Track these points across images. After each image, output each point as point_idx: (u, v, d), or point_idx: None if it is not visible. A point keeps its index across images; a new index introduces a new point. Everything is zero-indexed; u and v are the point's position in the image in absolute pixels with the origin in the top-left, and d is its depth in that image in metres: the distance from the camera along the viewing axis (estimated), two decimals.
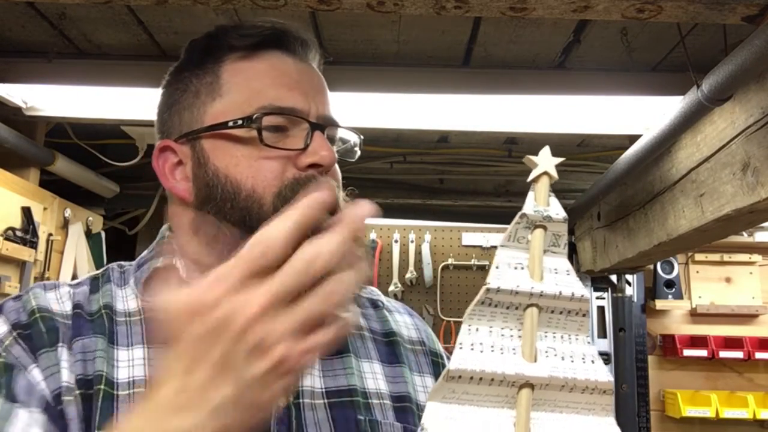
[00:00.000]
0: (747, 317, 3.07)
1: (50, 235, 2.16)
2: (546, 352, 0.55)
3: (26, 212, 1.99)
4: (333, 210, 0.75)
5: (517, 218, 0.56)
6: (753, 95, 1.41)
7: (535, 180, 0.57)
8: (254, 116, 0.73)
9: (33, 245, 2.00)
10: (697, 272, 3.08)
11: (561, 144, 2.40)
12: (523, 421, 0.55)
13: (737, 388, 3.00)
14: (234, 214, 0.73)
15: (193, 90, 0.78)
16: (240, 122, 0.73)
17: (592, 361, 0.55)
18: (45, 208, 2.15)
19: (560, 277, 0.56)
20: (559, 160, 0.57)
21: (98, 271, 0.82)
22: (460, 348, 0.55)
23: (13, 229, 1.92)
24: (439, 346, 0.90)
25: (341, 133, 0.83)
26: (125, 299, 0.77)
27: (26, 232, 1.98)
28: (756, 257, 3.06)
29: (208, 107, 0.77)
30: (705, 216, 1.67)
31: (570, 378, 0.54)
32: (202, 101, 0.77)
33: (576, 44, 1.62)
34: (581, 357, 0.55)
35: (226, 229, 0.74)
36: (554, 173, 0.56)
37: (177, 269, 0.76)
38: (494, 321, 0.56)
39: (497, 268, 0.56)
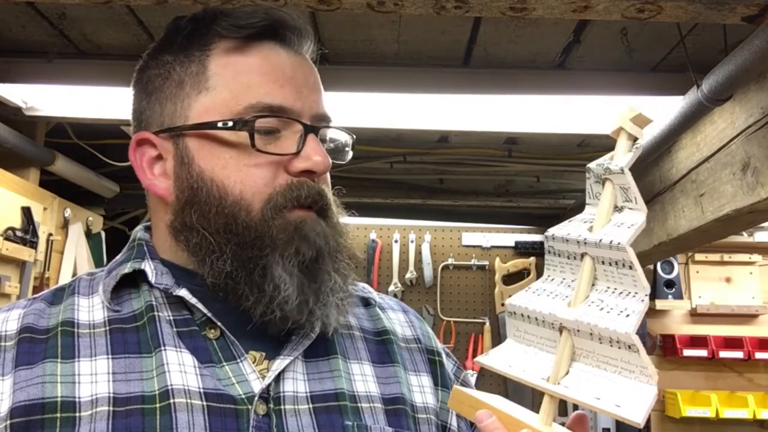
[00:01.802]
0: (747, 317, 3.07)
1: (50, 235, 2.16)
2: (593, 302, 0.55)
3: (26, 212, 1.99)
4: (324, 214, 0.74)
5: (586, 174, 0.58)
6: (753, 95, 1.41)
7: (615, 136, 0.57)
8: (246, 119, 0.69)
9: (33, 245, 2.00)
10: (697, 272, 3.08)
11: (561, 144, 2.40)
12: (557, 362, 0.55)
13: (737, 388, 3.00)
14: (219, 220, 0.69)
15: (176, 79, 0.73)
16: (230, 124, 0.69)
17: (627, 315, 0.53)
18: (45, 208, 2.15)
19: (615, 229, 0.55)
20: (636, 112, 0.56)
21: (66, 282, 0.78)
22: (526, 290, 0.58)
23: (13, 229, 1.92)
24: (436, 343, 0.86)
25: (333, 132, 0.79)
26: (91, 309, 0.72)
27: (26, 232, 1.98)
28: (756, 257, 3.06)
29: (193, 101, 0.72)
30: (705, 216, 1.67)
31: (593, 325, 0.53)
32: (187, 93, 0.72)
33: (576, 44, 1.61)
34: (621, 311, 0.53)
35: (210, 235, 0.70)
36: (630, 128, 0.55)
37: (146, 274, 0.72)
38: (565, 273, 0.58)
39: (569, 221, 0.58)
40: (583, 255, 0.56)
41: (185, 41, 0.74)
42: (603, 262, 0.55)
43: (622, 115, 0.57)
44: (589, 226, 0.57)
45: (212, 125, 0.70)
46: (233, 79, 0.71)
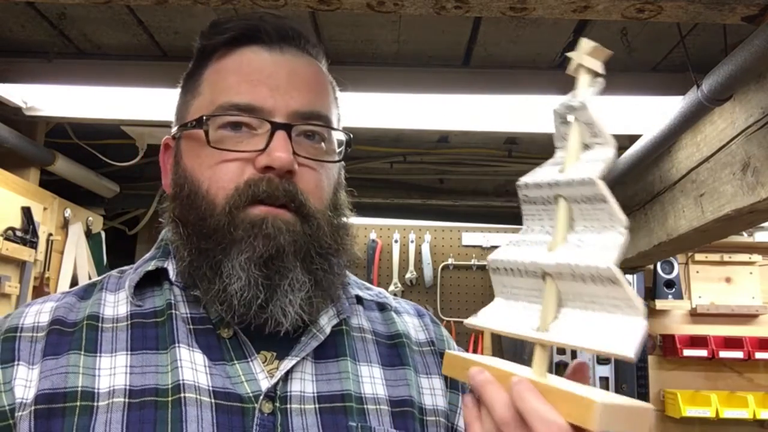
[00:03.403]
0: (747, 317, 3.07)
1: (50, 235, 2.16)
2: (573, 242, 0.53)
3: (26, 212, 1.99)
4: (301, 212, 0.72)
5: (553, 116, 0.56)
6: (753, 95, 1.41)
7: (575, 74, 0.55)
8: (203, 117, 0.73)
9: (33, 245, 2.00)
10: (697, 272, 3.07)
11: None
12: (544, 309, 0.54)
13: (737, 388, 3.00)
14: (190, 213, 0.72)
15: (186, 87, 0.80)
16: (193, 123, 0.74)
17: (607, 250, 0.51)
18: (45, 208, 2.15)
19: (586, 165, 0.53)
20: (592, 45, 0.54)
21: (98, 278, 0.81)
22: (507, 244, 0.58)
23: (13, 229, 1.92)
24: (452, 345, 0.86)
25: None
26: (116, 304, 0.75)
27: (26, 232, 1.98)
28: (756, 257, 3.06)
29: (189, 106, 0.78)
30: (705, 216, 1.67)
31: (573, 265, 0.51)
32: (188, 99, 0.79)
33: (576, 44, 1.61)
34: (601, 247, 0.51)
35: (182, 227, 0.73)
36: (589, 63, 0.54)
37: (168, 272, 0.75)
38: (543, 220, 0.57)
39: (540, 166, 0.57)
40: (557, 197, 0.55)
41: (197, 54, 0.80)
42: (578, 201, 0.53)
43: (579, 51, 0.55)
44: (560, 167, 0.56)
45: (184, 125, 0.76)
46: (215, 83, 0.76)
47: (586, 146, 0.55)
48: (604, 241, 0.51)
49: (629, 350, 0.47)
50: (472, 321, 0.59)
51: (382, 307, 0.86)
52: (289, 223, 0.71)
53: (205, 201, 0.72)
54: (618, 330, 0.49)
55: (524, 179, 0.57)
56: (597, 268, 0.50)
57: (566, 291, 0.53)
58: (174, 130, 0.80)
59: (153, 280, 0.76)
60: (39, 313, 0.73)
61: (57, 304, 0.75)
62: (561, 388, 0.51)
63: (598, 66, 0.54)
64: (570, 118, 0.56)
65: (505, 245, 0.58)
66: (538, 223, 0.57)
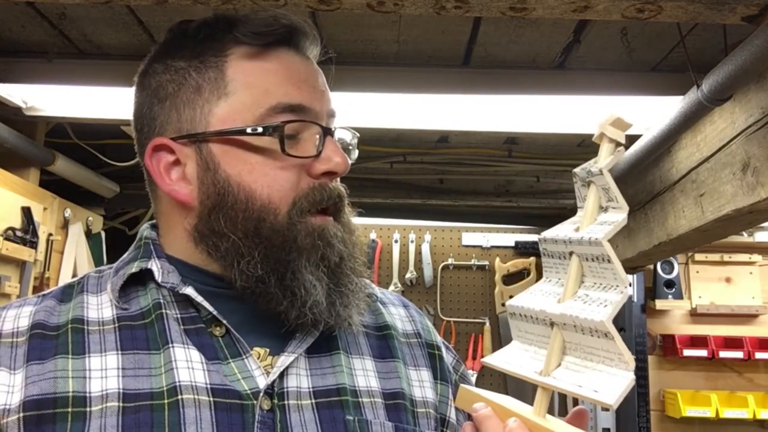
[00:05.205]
0: (747, 317, 3.07)
1: (50, 235, 2.16)
2: (580, 297, 0.59)
3: (26, 212, 1.99)
4: (339, 215, 0.76)
5: (573, 179, 0.61)
6: (753, 95, 1.41)
7: (599, 141, 0.60)
8: (275, 124, 0.71)
9: (33, 245, 2.00)
10: (697, 272, 3.07)
11: (561, 144, 2.40)
12: (548, 355, 0.59)
13: (737, 388, 3.00)
14: (247, 224, 0.71)
15: (192, 84, 0.73)
16: (260, 129, 0.71)
17: (605, 306, 0.56)
18: (45, 208, 2.15)
19: (597, 227, 0.58)
20: (615, 117, 0.59)
21: (74, 279, 0.79)
22: (526, 292, 0.64)
23: (13, 229, 1.92)
24: (436, 337, 0.87)
25: (338, 131, 0.81)
26: (100, 307, 0.73)
27: (26, 232, 1.98)
28: (756, 257, 3.06)
29: (213, 107, 0.73)
30: (705, 216, 1.67)
31: (574, 316, 0.57)
32: (206, 99, 0.73)
33: (576, 44, 1.61)
34: (602, 303, 0.56)
35: (238, 240, 0.71)
36: (611, 133, 0.59)
37: (153, 273, 0.73)
38: (559, 273, 0.62)
39: (561, 224, 0.62)
40: (570, 254, 0.60)
41: (198, 47, 0.75)
42: (587, 259, 0.59)
43: (603, 121, 0.61)
44: (577, 226, 0.61)
45: (241, 131, 0.71)
46: (253, 84, 0.73)
47: (603, 209, 0.60)
48: (606, 298, 0.57)
49: (611, 399, 0.53)
50: (487, 360, 0.66)
51: (368, 298, 0.87)
52: (339, 230, 0.74)
53: (265, 211, 0.71)
54: (608, 381, 0.55)
55: (545, 234, 0.63)
56: (593, 322, 0.55)
57: (569, 340, 0.59)
58: (185, 132, 0.73)
59: (136, 281, 0.74)
60: (17, 318, 0.71)
61: (36, 308, 0.72)
62: (550, 430, 0.58)
63: (620, 136, 0.59)
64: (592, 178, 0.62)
65: (524, 293, 0.64)
66: (555, 276, 0.63)
